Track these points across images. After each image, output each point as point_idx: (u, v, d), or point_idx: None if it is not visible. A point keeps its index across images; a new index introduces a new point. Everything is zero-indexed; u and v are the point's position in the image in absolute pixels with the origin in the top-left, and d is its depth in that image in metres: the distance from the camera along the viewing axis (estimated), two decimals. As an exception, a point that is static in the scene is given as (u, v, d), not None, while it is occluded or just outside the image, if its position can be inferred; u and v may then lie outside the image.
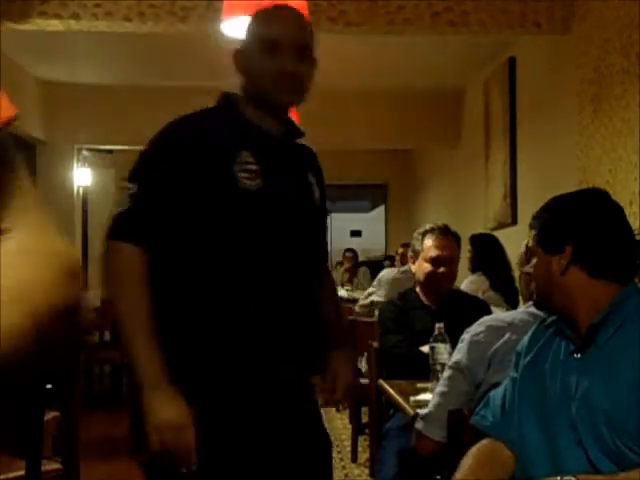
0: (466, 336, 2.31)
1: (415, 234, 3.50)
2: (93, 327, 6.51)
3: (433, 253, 3.36)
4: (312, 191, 1.86)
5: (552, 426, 1.57)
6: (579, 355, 1.58)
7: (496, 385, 2.15)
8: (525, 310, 2.30)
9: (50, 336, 0.80)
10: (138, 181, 1.69)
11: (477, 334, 2.27)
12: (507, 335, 2.21)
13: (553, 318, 1.69)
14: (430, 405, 2.32)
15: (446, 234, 3.42)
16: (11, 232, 0.85)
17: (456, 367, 2.27)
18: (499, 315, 2.58)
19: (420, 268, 3.39)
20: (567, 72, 4.70)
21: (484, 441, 1.71)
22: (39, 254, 0.85)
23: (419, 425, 2.30)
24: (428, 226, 3.49)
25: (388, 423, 3.07)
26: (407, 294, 3.50)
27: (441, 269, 3.33)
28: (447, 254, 3.35)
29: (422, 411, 2.34)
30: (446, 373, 2.34)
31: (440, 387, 2.32)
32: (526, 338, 1.75)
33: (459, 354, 2.29)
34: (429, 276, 3.35)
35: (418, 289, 3.44)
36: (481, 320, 2.33)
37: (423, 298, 3.40)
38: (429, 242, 3.39)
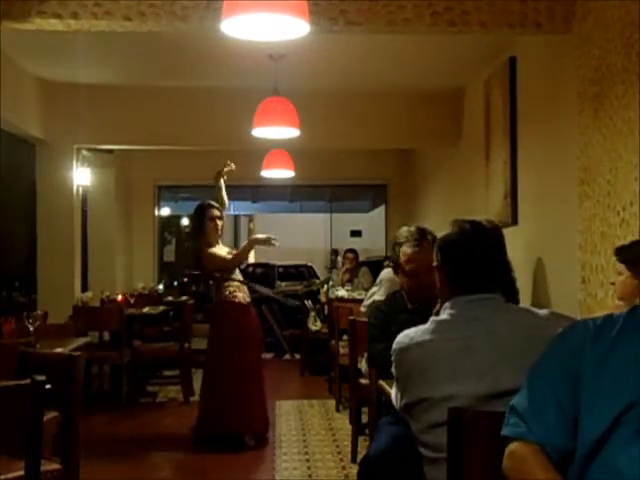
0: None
1: (392, 243, 3.48)
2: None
3: (408, 267, 3.35)
4: None
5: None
6: None
7: (425, 400, 2.18)
8: (433, 319, 2.32)
9: None
10: None
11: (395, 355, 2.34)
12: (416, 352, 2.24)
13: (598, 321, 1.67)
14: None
15: (420, 243, 3.35)
16: None
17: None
18: (406, 332, 2.38)
19: (402, 280, 3.41)
20: (568, 72, 4.69)
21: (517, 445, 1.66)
22: None
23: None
24: (402, 236, 3.43)
25: (385, 418, 3.07)
26: (394, 297, 3.51)
27: (419, 279, 3.30)
28: (422, 265, 3.24)
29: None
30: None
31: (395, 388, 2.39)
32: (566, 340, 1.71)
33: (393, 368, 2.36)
34: (410, 288, 3.36)
35: (404, 292, 3.46)
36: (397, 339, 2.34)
37: (409, 302, 3.41)
38: (403, 255, 3.37)
